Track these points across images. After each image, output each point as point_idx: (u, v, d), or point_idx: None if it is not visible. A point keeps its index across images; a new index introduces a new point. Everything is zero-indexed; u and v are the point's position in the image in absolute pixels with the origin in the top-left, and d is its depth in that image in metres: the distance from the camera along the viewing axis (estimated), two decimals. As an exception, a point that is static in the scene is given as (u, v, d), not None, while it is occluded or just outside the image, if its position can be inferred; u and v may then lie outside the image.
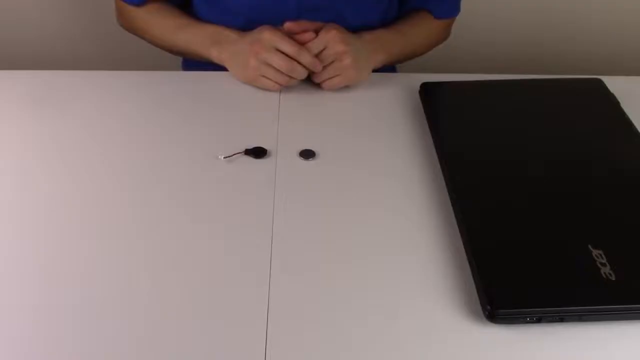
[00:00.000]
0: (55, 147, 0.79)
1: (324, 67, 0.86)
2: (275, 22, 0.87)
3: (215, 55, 0.90)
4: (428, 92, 0.86)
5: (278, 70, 0.85)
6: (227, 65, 0.90)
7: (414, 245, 0.67)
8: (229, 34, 0.90)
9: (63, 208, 0.71)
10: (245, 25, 0.90)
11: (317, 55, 0.85)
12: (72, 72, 0.91)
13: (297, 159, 0.77)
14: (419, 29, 0.99)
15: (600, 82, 0.86)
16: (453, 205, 0.70)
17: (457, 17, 1.04)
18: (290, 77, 0.85)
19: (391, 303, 0.61)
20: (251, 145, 0.78)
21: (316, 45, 0.85)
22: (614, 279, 0.59)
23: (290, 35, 0.85)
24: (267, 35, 0.84)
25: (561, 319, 0.58)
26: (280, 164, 0.76)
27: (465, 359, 0.57)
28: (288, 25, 0.85)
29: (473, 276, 0.62)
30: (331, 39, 0.85)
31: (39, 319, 0.59)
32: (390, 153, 0.79)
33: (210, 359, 0.56)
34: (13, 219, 0.69)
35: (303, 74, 0.85)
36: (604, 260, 0.61)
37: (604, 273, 0.60)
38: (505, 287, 0.60)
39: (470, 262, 0.63)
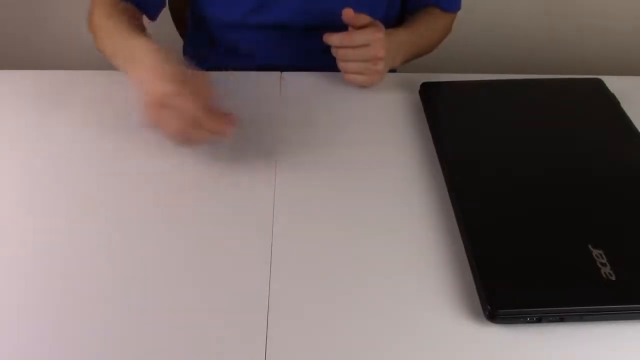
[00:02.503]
0: (54, 147, 0.79)
1: (356, 61, 0.85)
2: (283, 7, 0.86)
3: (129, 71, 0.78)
4: (428, 92, 0.86)
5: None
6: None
7: (413, 246, 0.67)
8: (145, 55, 0.75)
9: (62, 208, 0.71)
10: (255, 6, 0.89)
11: (354, 48, 0.84)
12: (72, 72, 0.91)
13: (297, 159, 0.77)
14: (432, 27, 1.00)
15: (600, 82, 0.86)
16: (453, 205, 0.70)
17: (458, 18, 1.04)
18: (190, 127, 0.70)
19: (391, 303, 0.61)
20: (251, 144, 0.78)
21: (360, 38, 0.83)
22: (614, 279, 0.59)
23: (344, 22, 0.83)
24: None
25: (561, 319, 0.58)
26: (280, 164, 0.76)
27: (465, 359, 0.57)
28: (346, 10, 0.83)
29: (473, 276, 0.62)
30: (377, 41, 0.83)
31: (38, 319, 0.59)
32: (391, 153, 0.79)
33: (211, 358, 0.56)
34: (13, 219, 0.69)
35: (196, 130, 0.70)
36: (604, 260, 0.61)
37: (604, 273, 0.60)
38: (505, 287, 0.60)
39: (470, 262, 0.63)
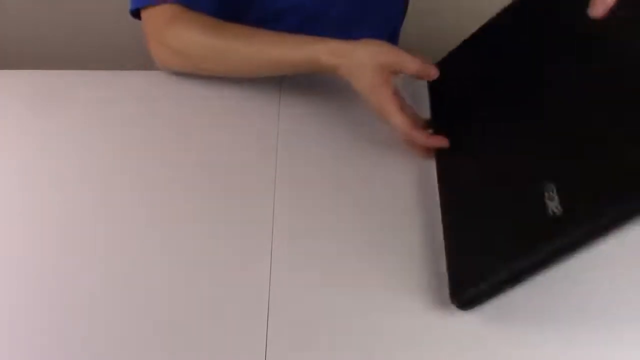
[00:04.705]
0: (54, 147, 0.79)
1: None
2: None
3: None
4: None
5: None
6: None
7: (414, 246, 0.67)
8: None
9: (63, 208, 0.71)
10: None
11: None
12: (72, 72, 0.91)
13: (297, 158, 0.77)
14: None
15: None
16: (440, 201, 0.69)
17: (456, 18, 1.04)
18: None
19: (391, 303, 0.61)
20: (251, 143, 0.78)
21: None
22: (560, 214, 0.53)
23: None
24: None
25: (519, 279, 0.54)
26: (281, 164, 0.76)
27: (460, 356, 0.58)
28: None
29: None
30: None
31: (38, 320, 0.59)
32: (391, 152, 0.78)
33: (210, 358, 0.56)
34: (13, 220, 0.69)
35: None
36: (554, 195, 0.55)
37: (551, 210, 0.54)
38: (460, 273, 0.60)
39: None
